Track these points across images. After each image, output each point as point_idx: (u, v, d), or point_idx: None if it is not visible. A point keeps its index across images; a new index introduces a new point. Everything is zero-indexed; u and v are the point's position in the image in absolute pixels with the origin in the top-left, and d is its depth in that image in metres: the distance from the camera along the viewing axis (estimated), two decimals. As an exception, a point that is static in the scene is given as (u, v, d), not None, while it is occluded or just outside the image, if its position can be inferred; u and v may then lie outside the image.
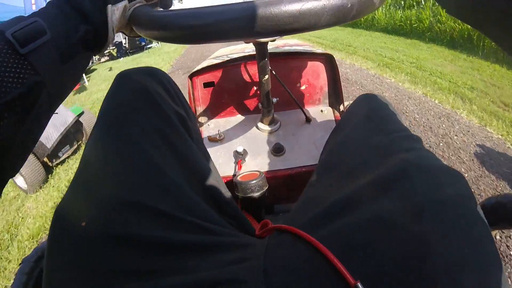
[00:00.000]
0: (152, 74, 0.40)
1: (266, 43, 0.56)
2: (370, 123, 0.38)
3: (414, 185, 0.24)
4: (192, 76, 0.76)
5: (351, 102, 0.51)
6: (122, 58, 7.77)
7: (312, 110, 0.77)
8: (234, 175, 0.63)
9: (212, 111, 0.79)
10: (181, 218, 0.28)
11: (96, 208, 0.27)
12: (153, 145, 0.33)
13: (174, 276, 0.24)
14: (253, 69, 0.76)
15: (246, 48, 0.84)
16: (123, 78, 0.38)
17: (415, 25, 4.68)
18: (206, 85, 0.77)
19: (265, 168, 0.64)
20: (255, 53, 0.60)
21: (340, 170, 0.33)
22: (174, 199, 0.30)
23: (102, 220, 0.26)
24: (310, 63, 0.76)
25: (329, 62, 0.76)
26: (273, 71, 0.69)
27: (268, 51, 0.58)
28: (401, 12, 5.23)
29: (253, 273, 0.23)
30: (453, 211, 0.21)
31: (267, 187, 0.53)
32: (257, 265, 0.24)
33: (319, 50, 0.77)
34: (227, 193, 0.39)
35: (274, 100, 0.69)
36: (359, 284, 0.19)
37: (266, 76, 0.62)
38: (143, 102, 0.36)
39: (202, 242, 0.27)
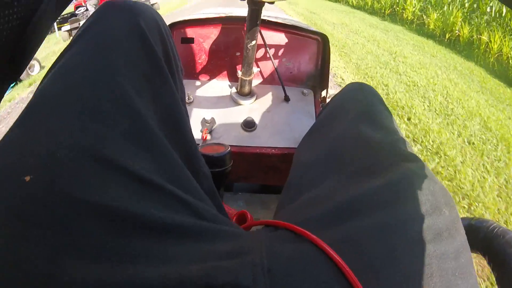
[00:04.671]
0: (146, 11, 0.33)
1: (262, 3, 0.50)
2: (369, 118, 0.37)
3: (420, 202, 0.24)
4: (170, 27, 0.67)
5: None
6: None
7: (293, 90, 0.72)
8: (198, 145, 0.58)
9: (185, 70, 0.72)
10: (162, 188, 0.22)
11: (49, 158, 0.19)
12: (136, 89, 0.26)
13: (152, 265, 0.18)
14: (238, 33, 0.69)
15: (233, 12, 0.76)
16: (111, 7, 0.31)
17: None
18: (184, 40, 0.69)
19: (231, 141, 0.59)
20: (244, 15, 0.55)
21: (345, 168, 0.31)
22: (156, 160, 0.24)
23: (54, 176, 0.18)
24: (301, 40, 0.70)
25: (323, 42, 0.70)
26: (262, 38, 0.63)
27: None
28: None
29: (256, 273, 0.18)
30: (448, 234, 0.23)
31: (231, 163, 0.48)
32: (259, 263, 0.19)
33: (313, 28, 0.71)
34: (205, 165, 0.34)
35: (255, 70, 0.63)
36: None
37: (253, 42, 0.57)
38: (133, 38, 0.29)
39: (189, 225, 0.22)
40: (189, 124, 0.33)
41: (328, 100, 0.72)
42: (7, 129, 0.21)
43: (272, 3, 0.49)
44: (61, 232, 0.17)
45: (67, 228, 0.17)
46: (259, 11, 0.53)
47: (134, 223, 0.19)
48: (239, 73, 0.63)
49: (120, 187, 0.20)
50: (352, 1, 7.85)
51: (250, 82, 0.65)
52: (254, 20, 0.53)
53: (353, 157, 0.32)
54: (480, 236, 0.32)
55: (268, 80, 0.73)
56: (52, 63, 0.27)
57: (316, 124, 0.47)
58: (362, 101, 0.40)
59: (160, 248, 0.19)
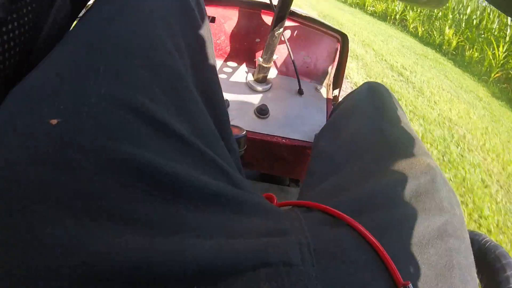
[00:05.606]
0: None
1: None
2: (386, 114, 0.38)
3: (440, 198, 0.25)
4: None
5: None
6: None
7: (307, 85, 0.72)
8: None
9: None
10: (203, 152, 0.20)
11: (80, 103, 0.16)
12: (177, 49, 0.24)
13: (198, 235, 0.16)
14: (260, 19, 0.69)
15: None
16: None
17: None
18: None
19: (243, 126, 0.59)
20: (267, 2, 0.56)
21: (368, 158, 0.32)
22: (194, 123, 0.22)
23: (85, 124, 0.15)
24: (322, 36, 0.70)
25: (342, 42, 0.69)
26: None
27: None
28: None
29: (303, 252, 0.18)
30: (460, 233, 0.24)
31: (245, 147, 0.48)
32: (305, 242, 0.19)
33: (335, 26, 0.71)
34: (234, 141, 0.33)
35: (275, 57, 0.64)
36: (410, 286, 0.19)
37: (280, 30, 0.57)
38: (176, 2, 0.27)
39: (230, 194, 0.20)
40: (222, 95, 0.31)
41: (340, 99, 0.70)
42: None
43: None
44: (92, 194, 0.14)
45: (99, 188, 0.15)
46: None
47: (176, 186, 0.17)
48: (260, 59, 0.64)
49: (161, 144, 0.18)
50: (420, 33, 4.48)
51: (268, 69, 0.66)
52: (285, 8, 0.54)
53: (375, 149, 0.33)
54: (474, 248, 0.33)
55: (284, 71, 0.73)
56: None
57: (334, 118, 0.48)
58: (379, 99, 0.41)
59: (203, 217, 0.18)
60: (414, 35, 4.64)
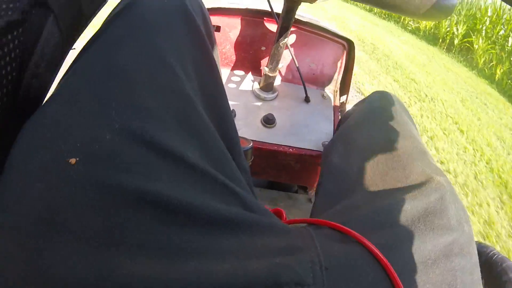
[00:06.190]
0: None
1: (299, 2, 0.52)
2: (396, 126, 0.38)
3: (449, 216, 0.25)
4: None
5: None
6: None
7: (313, 92, 0.71)
8: None
9: None
10: (215, 177, 0.21)
11: (96, 140, 0.17)
12: (185, 73, 0.24)
13: (212, 260, 0.17)
14: (265, 28, 0.69)
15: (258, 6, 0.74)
16: None
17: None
18: None
19: (249, 136, 0.59)
20: (273, 10, 0.57)
21: (375, 175, 0.33)
22: (205, 148, 0.22)
23: (101, 162, 0.16)
24: (328, 43, 0.69)
25: (348, 48, 0.67)
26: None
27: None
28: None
29: (315, 270, 0.19)
30: (467, 251, 0.24)
31: (252, 159, 0.47)
32: (317, 260, 0.20)
33: (341, 32, 0.69)
34: (244, 159, 0.33)
35: (280, 65, 0.63)
36: None
37: (286, 40, 0.57)
38: (180, 20, 0.27)
39: (241, 217, 0.20)
40: (232, 115, 0.31)
41: (347, 106, 0.68)
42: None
43: (312, 2, 0.48)
44: (110, 225, 0.15)
45: (116, 221, 0.15)
46: (295, 9, 0.53)
47: (189, 214, 0.18)
48: (266, 69, 0.63)
49: (173, 175, 0.19)
50: (497, 76, 3.12)
51: (274, 78, 0.65)
52: (289, 17, 0.54)
53: (387, 165, 0.33)
54: (481, 260, 0.33)
55: (290, 78, 0.72)
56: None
57: (344, 130, 0.47)
58: (389, 110, 0.41)
59: (217, 242, 0.18)
60: (487, 77, 3.15)
